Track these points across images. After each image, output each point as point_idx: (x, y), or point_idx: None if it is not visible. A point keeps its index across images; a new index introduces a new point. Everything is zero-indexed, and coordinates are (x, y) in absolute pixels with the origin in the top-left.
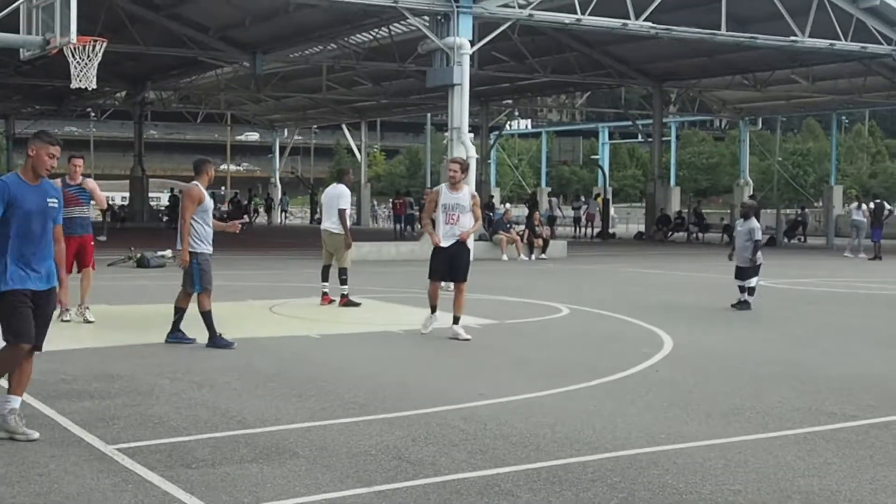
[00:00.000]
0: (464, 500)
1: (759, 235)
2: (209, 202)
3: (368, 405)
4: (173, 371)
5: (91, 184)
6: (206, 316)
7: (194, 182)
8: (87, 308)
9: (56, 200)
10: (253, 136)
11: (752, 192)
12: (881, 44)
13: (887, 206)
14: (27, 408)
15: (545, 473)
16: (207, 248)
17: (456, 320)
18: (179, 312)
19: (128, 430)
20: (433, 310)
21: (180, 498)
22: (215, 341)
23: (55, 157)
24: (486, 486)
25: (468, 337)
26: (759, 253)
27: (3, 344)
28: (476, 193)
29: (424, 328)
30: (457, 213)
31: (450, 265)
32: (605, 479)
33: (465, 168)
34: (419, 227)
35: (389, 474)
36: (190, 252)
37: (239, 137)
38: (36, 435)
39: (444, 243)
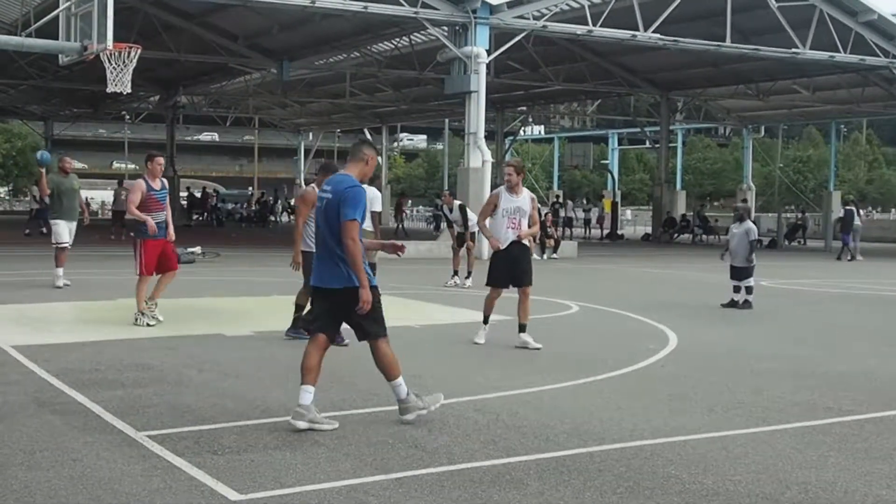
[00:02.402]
0: (477, 487)
1: (755, 236)
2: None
3: (386, 396)
4: (201, 362)
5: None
6: (298, 311)
7: (311, 186)
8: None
9: None
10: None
11: (744, 197)
12: (879, 56)
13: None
14: (61, 395)
15: (554, 463)
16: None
17: (522, 328)
18: (299, 309)
19: (157, 417)
20: (486, 320)
21: (207, 483)
22: (297, 333)
23: None
24: (499, 474)
25: (538, 346)
26: (754, 254)
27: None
28: (534, 196)
29: (479, 339)
30: (517, 216)
31: (512, 270)
32: (611, 469)
33: (520, 170)
34: (442, 227)
35: (406, 462)
36: (304, 251)
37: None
38: (429, 408)
39: (503, 245)
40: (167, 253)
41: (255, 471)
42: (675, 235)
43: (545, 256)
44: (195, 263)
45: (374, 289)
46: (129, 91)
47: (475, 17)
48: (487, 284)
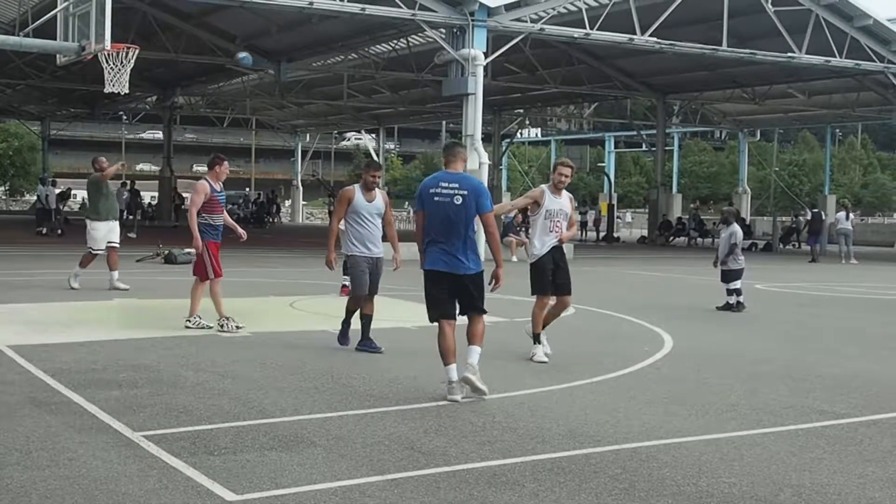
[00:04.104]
0: (472, 489)
1: (736, 239)
2: (362, 204)
3: (383, 397)
4: (197, 363)
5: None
6: (347, 315)
7: (352, 185)
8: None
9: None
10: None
11: (731, 201)
12: (874, 61)
13: (824, 216)
14: (57, 395)
15: (550, 465)
16: (359, 251)
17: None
18: (365, 318)
19: (153, 418)
20: (537, 339)
21: (203, 483)
22: (341, 338)
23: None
24: (494, 475)
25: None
26: (742, 257)
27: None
28: (572, 195)
29: (540, 357)
30: (559, 219)
31: (556, 276)
32: (606, 471)
33: (573, 173)
34: None
35: (402, 463)
36: (351, 256)
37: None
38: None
39: (545, 250)
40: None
41: (251, 471)
42: (671, 238)
43: None
44: (192, 264)
45: (479, 274)
46: (127, 91)
47: (473, 20)
48: (536, 293)
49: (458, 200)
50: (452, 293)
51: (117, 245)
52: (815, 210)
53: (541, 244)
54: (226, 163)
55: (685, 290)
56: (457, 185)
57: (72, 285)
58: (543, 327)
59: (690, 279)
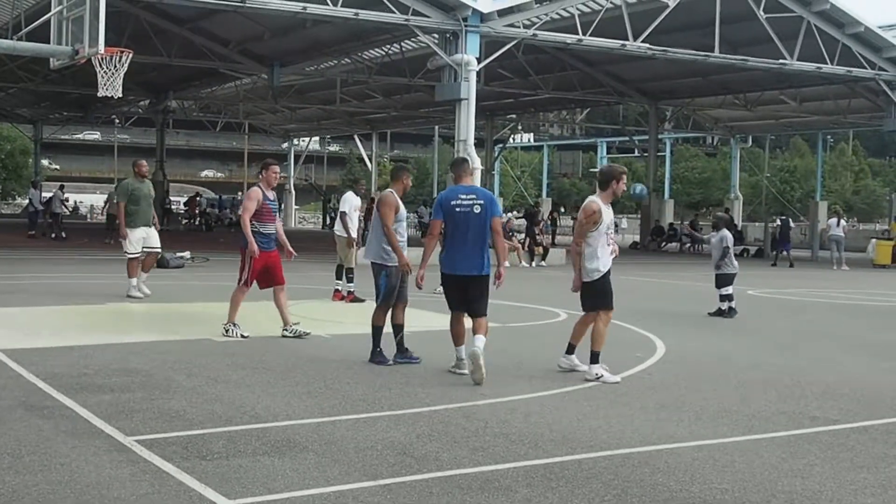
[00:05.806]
0: (465, 494)
1: (728, 243)
2: (403, 211)
3: (375, 403)
4: (190, 367)
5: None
6: (375, 331)
7: (389, 190)
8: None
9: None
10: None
11: (727, 206)
12: (865, 68)
13: (791, 224)
14: (49, 399)
15: (542, 470)
16: (393, 260)
17: (572, 349)
18: (397, 330)
19: (146, 422)
20: (597, 357)
21: (195, 488)
22: (375, 357)
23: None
24: (487, 481)
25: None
26: (735, 262)
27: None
28: None
29: (612, 377)
30: (612, 230)
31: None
32: (599, 477)
33: None
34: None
35: (394, 469)
36: (378, 263)
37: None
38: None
39: (609, 265)
40: (274, 265)
41: (243, 476)
42: (663, 244)
43: (534, 264)
44: (184, 268)
45: (488, 276)
46: (120, 95)
47: (466, 25)
48: (605, 308)
49: (478, 210)
50: (463, 292)
51: (157, 250)
52: (784, 217)
53: (605, 261)
54: (273, 167)
55: (677, 296)
56: (474, 196)
57: (144, 292)
58: (578, 341)
59: (682, 285)
